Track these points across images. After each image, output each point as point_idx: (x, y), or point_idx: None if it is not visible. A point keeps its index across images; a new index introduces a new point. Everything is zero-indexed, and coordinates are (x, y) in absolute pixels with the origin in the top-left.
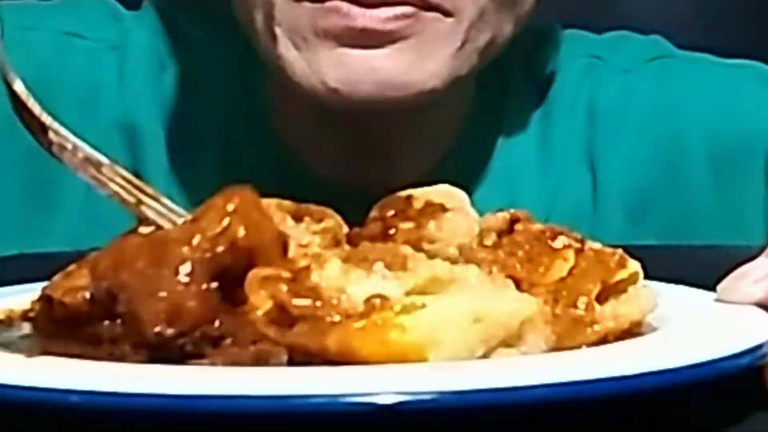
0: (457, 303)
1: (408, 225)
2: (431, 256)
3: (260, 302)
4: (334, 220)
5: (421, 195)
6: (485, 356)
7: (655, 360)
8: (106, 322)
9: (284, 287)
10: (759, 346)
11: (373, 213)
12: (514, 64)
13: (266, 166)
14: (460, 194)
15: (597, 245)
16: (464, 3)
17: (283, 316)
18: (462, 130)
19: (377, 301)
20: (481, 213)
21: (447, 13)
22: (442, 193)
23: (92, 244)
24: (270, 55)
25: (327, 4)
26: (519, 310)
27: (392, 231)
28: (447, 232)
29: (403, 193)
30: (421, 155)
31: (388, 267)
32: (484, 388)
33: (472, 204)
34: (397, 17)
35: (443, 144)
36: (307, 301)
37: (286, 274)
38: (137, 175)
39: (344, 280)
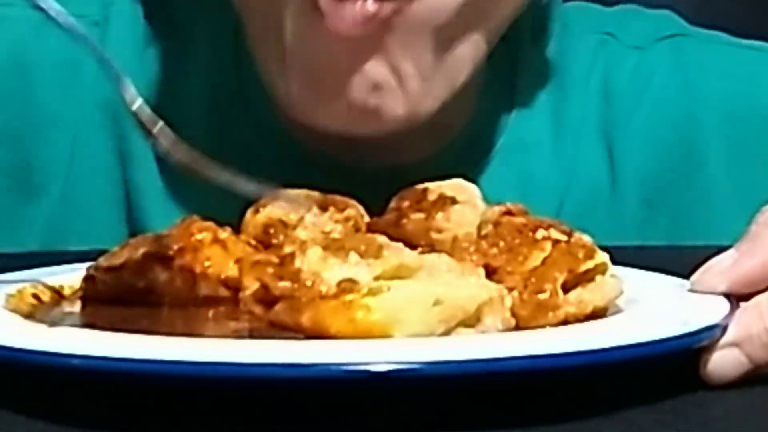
0: (420, 287)
1: (419, 216)
2: (438, 244)
3: (249, 283)
4: (356, 210)
5: (436, 188)
6: (445, 334)
7: (590, 339)
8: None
9: (270, 270)
10: (696, 332)
11: (392, 203)
12: (522, 39)
13: (261, 147)
14: (472, 188)
15: (585, 237)
16: None
17: (267, 296)
18: (473, 107)
19: (347, 284)
20: (494, 189)
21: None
22: (455, 186)
23: (73, 228)
24: (269, 77)
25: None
26: (477, 294)
27: (404, 221)
28: (454, 223)
29: (420, 186)
30: (430, 134)
31: (362, 255)
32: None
33: (486, 180)
34: (363, 20)
35: (453, 122)
36: (287, 283)
37: (274, 259)
38: (123, 158)
39: (322, 266)
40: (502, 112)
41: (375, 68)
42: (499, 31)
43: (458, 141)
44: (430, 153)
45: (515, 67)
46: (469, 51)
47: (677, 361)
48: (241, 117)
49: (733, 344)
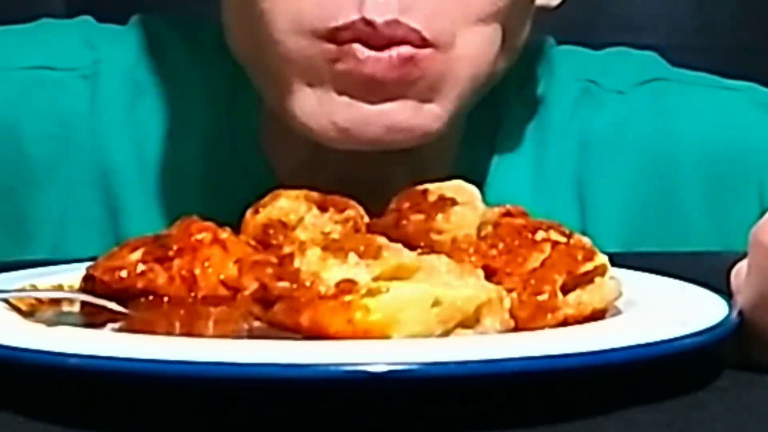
0: (419, 288)
1: (419, 217)
2: (438, 245)
3: (248, 283)
4: (355, 211)
5: (436, 189)
6: (444, 335)
7: (589, 341)
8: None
9: (269, 270)
10: (695, 333)
11: (392, 205)
12: (507, 88)
13: (251, 194)
14: (472, 189)
15: (585, 239)
16: (456, 34)
17: (266, 296)
18: (455, 155)
19: (346, 285)
20: None
21: (442, 48)
22: (455, 188)
23: None
24: (273, 94)
25: (346, 47)
26: (475, 295)
27: (404, 222)
28: (454, 224)
29: (420, 187)
30: (413, 176)
31: (361, 256)
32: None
33: None
34: (401, 61)
35: (436, 170)
36: (286, 284)
37: (273, 260)
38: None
39: (321, 266)
40: (484, 161)
41: (395, 112)
42: (517, 53)
43: None
44: None
45: (499, 114)
46: (474, 98)
47: (677, 362)
48: (233, 166)
49: None
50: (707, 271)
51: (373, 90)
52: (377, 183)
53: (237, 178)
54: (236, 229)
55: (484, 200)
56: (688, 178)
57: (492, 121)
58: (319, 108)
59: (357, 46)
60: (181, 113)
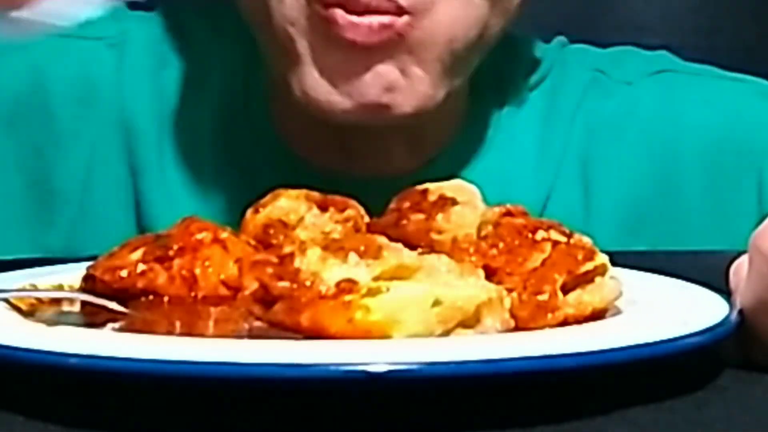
0: (419, 288)
1: (419, 216)
2: (438, 245)
3: (249, 283)
4: (355, 210)
5: (436, 189)
6: (444, 335)
7: (589, 341)
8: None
9: (270, 270)
10: (696, 332)
11: (392, 204)
12: (515, 71)
13: (264, 159)
14: (472, 189)
15: (585, 239)
16: (443, 5)
17: (266, 296)
18: (459, 126)
19: (346, 284)
20: None
21: (419, 14)
22: (455, 187)
23: (90, 233)
24: (282, 65)
25: (328, 11)
26: (475, 295)
27: (404, 221)
28: (454, 224)
29: (420, 187)
30: (416, 151)
31: (361, 255)
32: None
33: None
34: (380, 27)
35: (439, 139)
36: (286, 283)
37: (273, 259)
38: (134, 170)
39: (321, 266)
40: (488, 137)
41: (387, 72)
42: (491, 43)
43: (443, 158)
44: (419, 165)
45: (505, 96)
46: (466, 62)
47: (677, 362)
48: (245, 134)
49: None
50: (707, 270)
51: (358, 55)
52: (377, 151)
53: (248, 145)
54: (236, 228)
55: (486, 171)
56: (690, 165)
57: (498, 100)
58: (324, 74)
59: (337, 11)
60: (200, 85)
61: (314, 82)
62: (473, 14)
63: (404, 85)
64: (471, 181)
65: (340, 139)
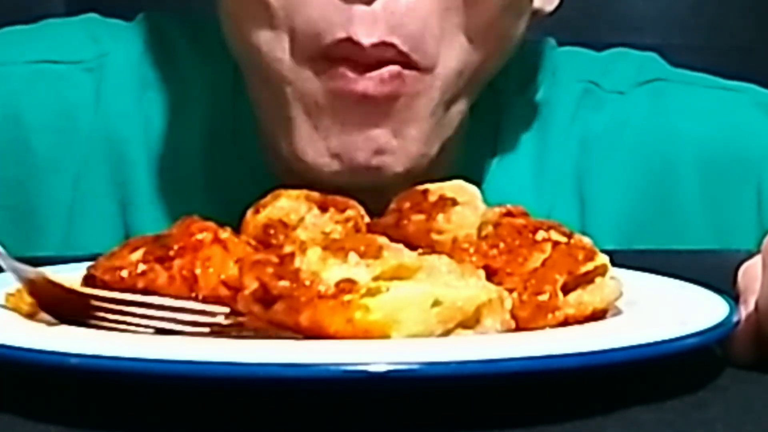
0: (419, 288)
1: (419, 217)
2: (439, 245)
3: (249, 282)
4: (356, 211)
5: (436, 189)
6: (444, 335)
7: (589, 341)
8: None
9: (270, 270)
10: (695, 333)
11: (392, 205)
12: (508, 89)
13: (253, 190)
14: (472, 189)
15: (586, 240)
16: (439, 56)
17: (266, 295)
18: (456, 153)
19: (346, 284)
20: None
21: (425, 71)
22: (455, 188)
23: None
24: (272, 124)
25: (335, 69)
26: (476, 296)
27: (405, 222)
28: (454, 224)
29: (420, 188)
30: (415, 179)
31: (361, 255)
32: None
33: None
34: (390, 77)
35: (437, 167)
36: (286, 283)
37: (274, 259)
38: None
39: (321, 266)
40: (485, 160)
41: (381, 134)
42: (488, 81)
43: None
44: None
45: (500, 115)
46: (463, 107)
47: (678, 362)
48: (234, 161)
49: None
50: (707, 270)
51: (364, 107)
52: (375, 187)
53: (238, 173)
54: (237, 228)
55: (485, 200)
56: (686, 177)
57: (493, 122)
58: (316, 134)
59: (345, 70)
60: (186, 108)
61: (304, 144)
62: (472, 66)
63: (396, 147)
64: None
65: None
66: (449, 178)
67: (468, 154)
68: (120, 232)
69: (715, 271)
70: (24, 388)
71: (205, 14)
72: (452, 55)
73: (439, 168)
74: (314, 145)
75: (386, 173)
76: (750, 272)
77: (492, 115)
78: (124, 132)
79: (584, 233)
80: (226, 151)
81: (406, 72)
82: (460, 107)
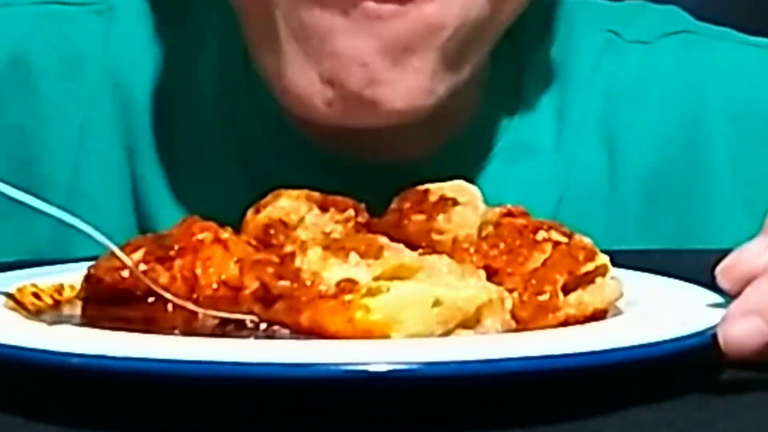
0: (419, 288)
1: (420, 217)
2: (439, 246)
3: (249, 282)
4: (356, 211)
5: (437, 189)
6: (444, 335)
7: (589, 341)
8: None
9: (270, 269)
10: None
11: (393, 205)
12: (527, 41)
13: (268, 139)
14: (473, 189)
15: (586, 239)
16: None
17: (267, 295)
18: (476, 105)
19: (347, 284)
20: (493, 188)
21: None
22: (456, 188)
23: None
24: (264, 60)
25: None
26: (476, 296)
27: (405, 222)
28: (455, 224)
29: (421, 187)
30: (432, 131)
31: (362, 255)
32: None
33: (486, 179)
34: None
35: (457, 120)
36: (286, 283)
37: (274, 259)
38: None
39: (322, 266)
40: (506, 113)
41: (376, 60)
42: (503, 29)
43: (460, 139)
44: (432, 150)
45: (520, 67)
46: (480, 51)
47: (677, 362)
48: (247, 109)
49: (753, 312)
50: (707, 270)
51: (359, 29)
52: (391, 131)
53: (253, 121)
54: (238, 225)
55: (507, 148)
56: (716, 133)
57: (514, 73)
58: (306, 62)
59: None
60: (197, 54)
61: (295, 74)
62: None
63: (393, 78)
64: (491, 160)
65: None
66: (468, 128)
67: (488, 106)
68: (127, 180)
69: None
70: (25, 388)
71: None
72: None
73: (457, 119)
74: (306, 74)
75: (384, 108)
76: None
77: (512, 66)
78: (134, 77)
79: (613, 185)
80: (239, 98)
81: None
82: (476, 51)
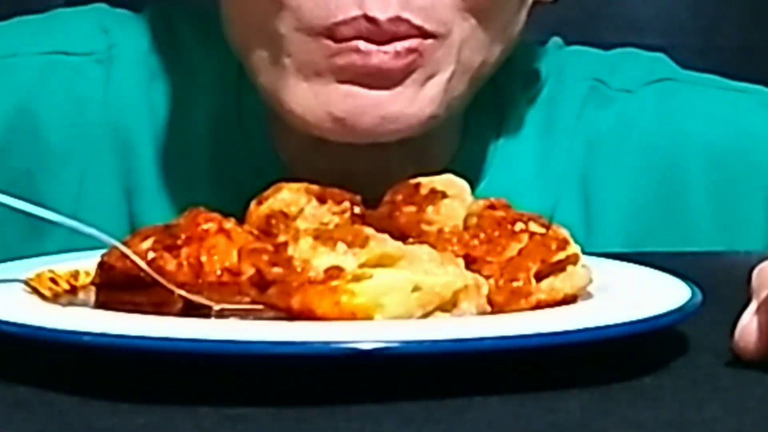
0: (400, 274)
1: (411, 209)
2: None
3: (246, 269)
4: (352, 203)
5: (428, 183)
6: (424, 318)
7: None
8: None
9: (265, 257)
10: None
11: (386, 197)
12: (512, 84)
13: (260, 180)
14: (461, 183)
15: (562, 231)
16: (453, 22)
17: (262, 281)
18: (458, 146)
19: (334, 271)
20: None
21: (442, 37)
22: (446, 181)
23: None
24: (270, 87)
25: (347, 43)
26: (453, 282)
27: (397, 213)
28: (443, 216)
29: (413, 181)
30: (419, 166)
31: (349, 245)
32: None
33: None
34: (407, 52)
35: (439, 162)
36: (279, 269)
37: (269, 247)
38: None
39: (312, 254)
40: (488, 155)
41: (393, 100)
42: (490, 72)
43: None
44: None
45: (503, 111)
46: (464, 88)
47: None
48: (240, 151)
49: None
50: (707, 270)
51: (377, 78)
52: (378, 173)
53: (244, 163)
54: (241, 218)
55: (487, 191)
56: (695, 178)
57: (496, 115)
58: (315, 100)
59: (359, 42)
60: (192, 98)
61: (307, 108)
62: (484, 39)
63: (401, 116)
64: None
65: (340, 162)
66: (449, 170)
67: (469, 149)
68: (125, 221)
69: (716, 272)
70: (42, 363)
71: (210, 5)
72: (466, 26)
73: (438, 161)
74: (314, 112)
75: (388, 139)
76: (765, 272)
77: (495, 111)
78: (132, 122)
79: (589, 233)
80: (232, 141)
81: (425, 42)
82: (461, 88)
